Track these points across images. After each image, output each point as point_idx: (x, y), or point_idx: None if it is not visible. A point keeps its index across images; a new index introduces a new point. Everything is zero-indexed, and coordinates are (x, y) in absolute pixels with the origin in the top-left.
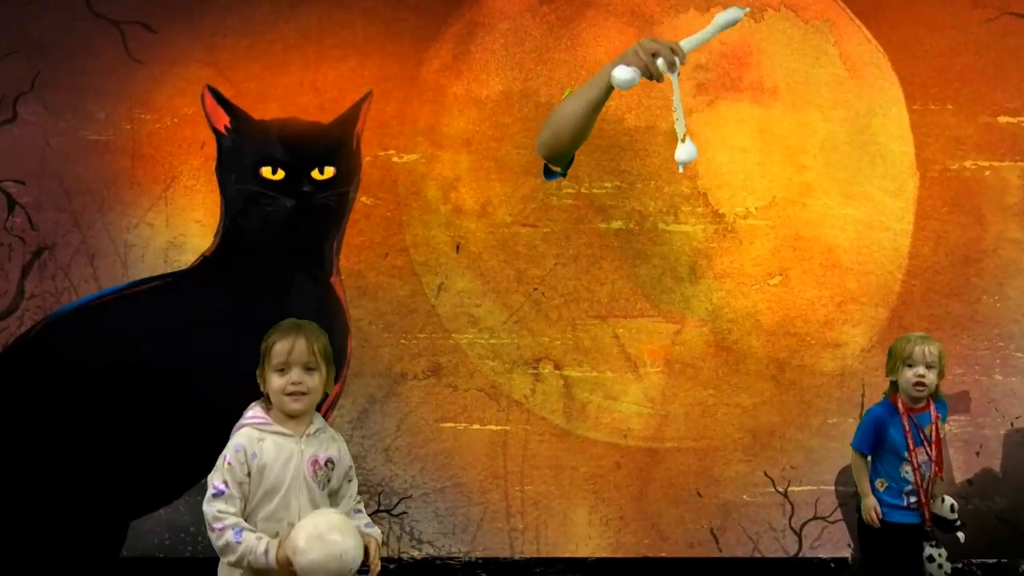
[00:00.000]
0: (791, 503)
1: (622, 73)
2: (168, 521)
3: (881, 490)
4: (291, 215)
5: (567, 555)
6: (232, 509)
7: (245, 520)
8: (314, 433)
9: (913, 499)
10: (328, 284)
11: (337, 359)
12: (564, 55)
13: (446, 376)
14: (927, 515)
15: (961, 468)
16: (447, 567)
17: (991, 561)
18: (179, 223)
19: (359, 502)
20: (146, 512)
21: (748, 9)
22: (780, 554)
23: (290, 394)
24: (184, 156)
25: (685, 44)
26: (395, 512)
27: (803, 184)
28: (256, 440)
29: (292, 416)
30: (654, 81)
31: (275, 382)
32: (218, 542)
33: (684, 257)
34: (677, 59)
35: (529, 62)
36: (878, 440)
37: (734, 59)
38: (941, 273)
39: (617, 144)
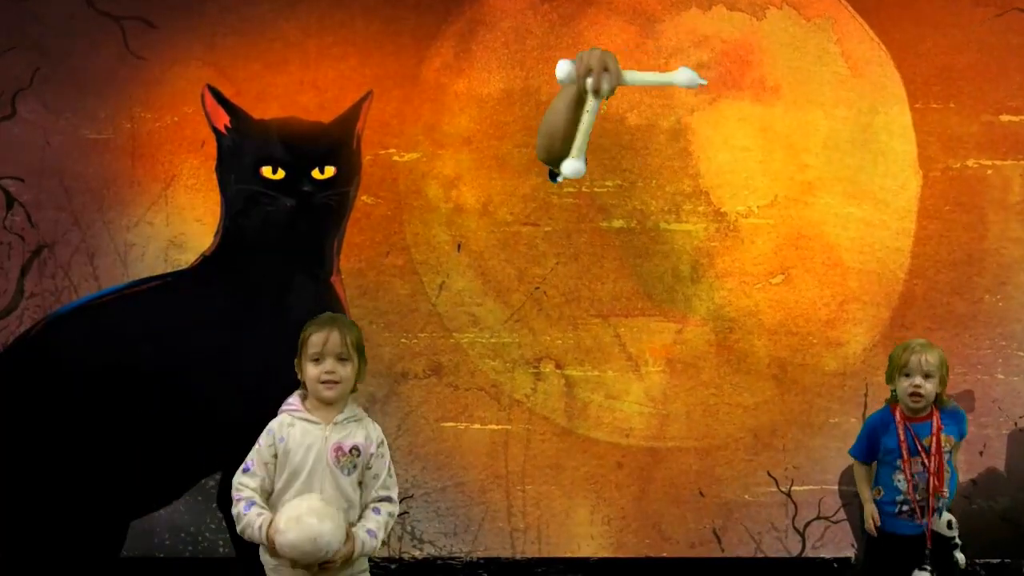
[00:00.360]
0: (794, 503)
1: (560, 67)
2: (168, 521)
3: (878, 498)
4: (291, 215)
5: (569, 555)
6: (252, 484)
7: (275, 499)
8: (342, 421)
9: (905, 508)
10: (328, 284)
11: None
12: (566, 53)
13: (447, 375)
14: (928, 533)
15: (963, 468)
16: (448, 567)
17: (995, 561)
18: (179, 222)
19: (387, 500)
20: (146, 512)
21: (706, 83)
22: (783, 554)
23: (324, 382)
24: (184, 155)
25: (630, 77)
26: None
27: (805, 183)
28: (287, 425)
29: (328, 404)
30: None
31: (310, 371)
32: (233, 511)
33: (686, 256)
34: (604, 87)
35: (530, 60)
36: (874, 448)
37: (736, 57)
38: (943, 272)
39: (618, 143)
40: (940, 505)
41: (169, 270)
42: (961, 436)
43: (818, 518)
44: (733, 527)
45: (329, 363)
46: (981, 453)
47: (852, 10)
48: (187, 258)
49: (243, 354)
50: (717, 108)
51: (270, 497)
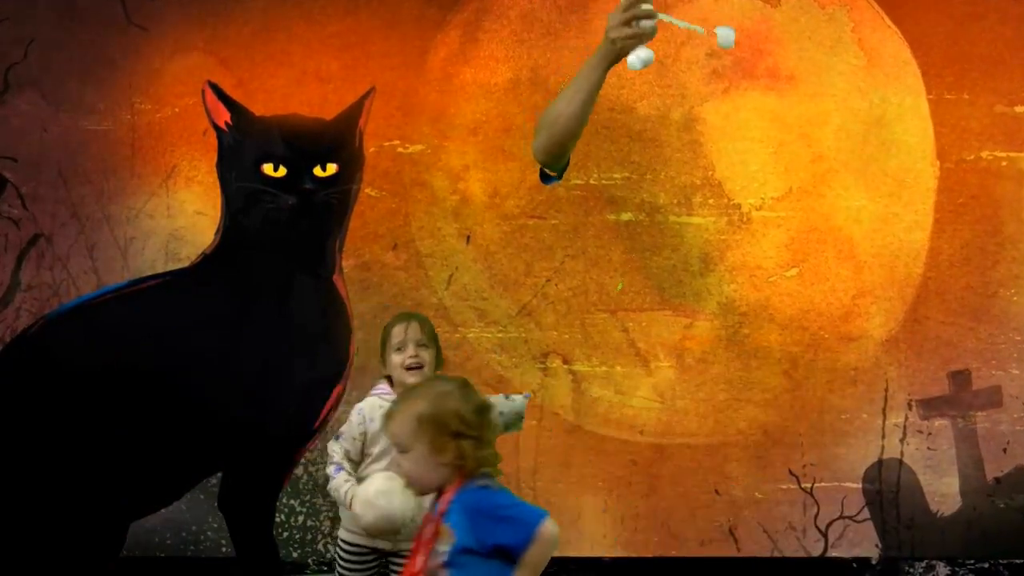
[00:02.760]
0: (816, 500)
1: (634, 59)
2: (169, 521)
3: None
4: (292, 213)
5: (580, 555)
6: (339, 451)
7: (362, 470)
8: None
9: None
10: (330, 283)
11: (339, 358)
12: (574, 42)
13: (453, 371)
14: None
15: (987, 466)
16: None
17: (1018, 561)
18: (180, 214)
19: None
20: (146, 513)
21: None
22: (799, 553)
23: (408, 368)
24: (185, 147)
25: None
26: None
27: (819, 174)
28: (377, 407)
29: None
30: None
31: (394, 359)
32: (326, 470)
33: (696, 249)
34: (644, 6)
35: (538, 49)
36: None
37: (749, 46)
38: (957, 266)
39: (627, 134)
40: None
41: (170, 263)
42: (503, 541)
43: (841, 518)
44: (748, 525)
45: (411, 349)
46: (1005, 451)
47: None
48: (188, 251)
49: (243, 354)
50: (729, 98)
51: (357, 467)
